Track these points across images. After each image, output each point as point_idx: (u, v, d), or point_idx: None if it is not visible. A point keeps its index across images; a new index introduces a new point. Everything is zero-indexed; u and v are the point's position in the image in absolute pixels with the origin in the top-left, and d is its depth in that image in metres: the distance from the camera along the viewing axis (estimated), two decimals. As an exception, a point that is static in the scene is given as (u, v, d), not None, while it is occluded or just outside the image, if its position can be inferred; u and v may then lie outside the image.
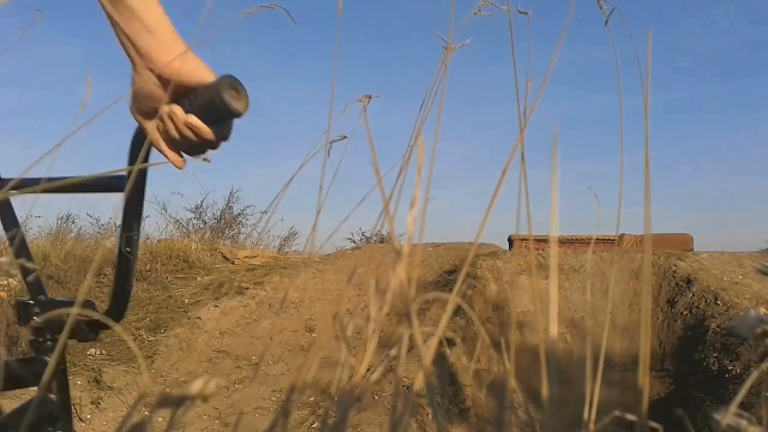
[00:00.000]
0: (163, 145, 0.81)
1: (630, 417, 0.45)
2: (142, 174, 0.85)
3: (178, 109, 0.77)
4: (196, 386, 0.41)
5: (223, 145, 0.84)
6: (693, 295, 6.01)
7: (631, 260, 6.73)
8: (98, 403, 4.32)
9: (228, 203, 9.85)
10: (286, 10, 0.68)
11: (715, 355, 5.06)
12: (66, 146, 0.57)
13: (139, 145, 0.85)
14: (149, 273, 6.64)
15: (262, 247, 9.17)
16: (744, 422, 0.45)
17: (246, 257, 7.86)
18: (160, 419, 3.22)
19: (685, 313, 5.94)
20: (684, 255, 6.80)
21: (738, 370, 4.70)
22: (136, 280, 6.43)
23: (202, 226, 9.46)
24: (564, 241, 7.65)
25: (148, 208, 11.52)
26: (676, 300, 6.13)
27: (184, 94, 0.78)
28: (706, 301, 5.84)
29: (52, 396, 1.03)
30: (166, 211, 9.33)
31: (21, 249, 1.12)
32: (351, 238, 11.06)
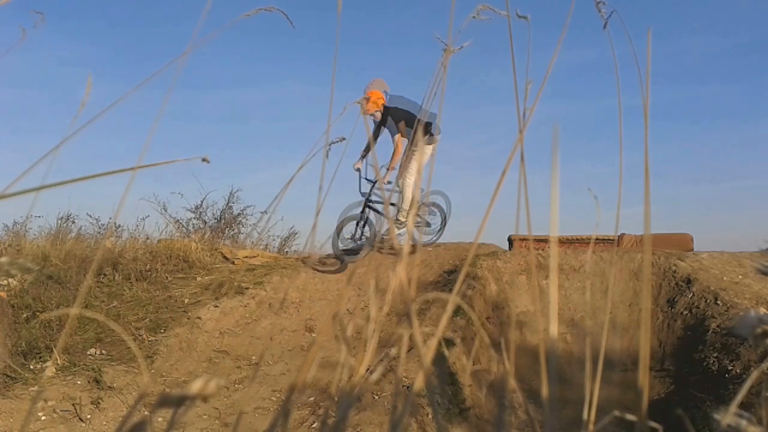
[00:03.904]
0: None
1: (630, 417, 0.45)
2: None
3: None
4: (196, 386, 0.41)
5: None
6: (693, 295, 6.01)
7: (631, 260, 6.73)
8: (98, 403, 4.32)
9: (228, 203, 9.83)
10: (284, 13, 0.68)
11: (715, 355, 5.06)
12: (66, 146, 0.58)
13: None
14: (149, 273, 6.63)
15: (262, 247, 9.16)
16: (744, 422, 0.45)
17: (246, 257, 7.86)
18: (160, 419, 3.22)
19: (685, 313, 5.94)
20: (684, 255, 6.80)
21: (738, 370, 4.70)
22: (136, 280, 6.43)
23: (202, 226, 9.44)
24: (564, 241, 7.64)
25: (148, 208, 11.52)
26: (676, 300, 6.13)
27: None
28: (706, 301, 5.84)
29: None
30: (166, 211, 9.31)
31: None
32: (351, 238, 11.03)
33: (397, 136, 6.00)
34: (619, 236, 7.60)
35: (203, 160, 0.84)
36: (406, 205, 6.25)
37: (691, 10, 23.55)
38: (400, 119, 5.94)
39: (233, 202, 9.87)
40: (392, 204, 6.52)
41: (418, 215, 6.49)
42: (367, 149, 6.49)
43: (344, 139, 0.66)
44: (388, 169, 6.28)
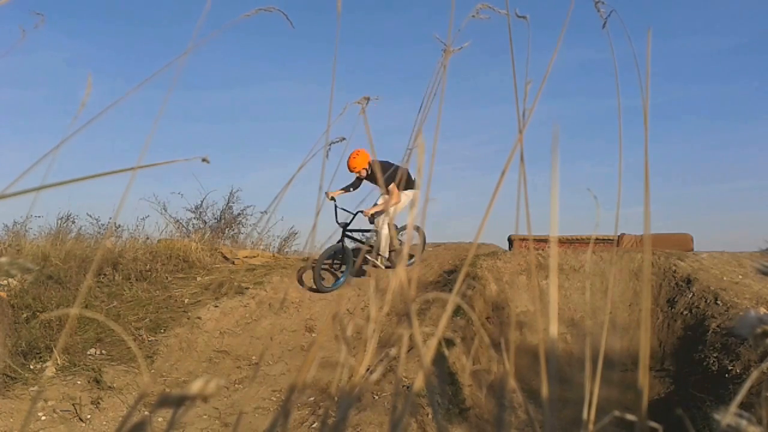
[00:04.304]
0: None
1: (630, 417, 0.45)
2: None
3: None
4: (196, 386, 0.41)
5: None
6: (693, 295, 6.01)
7: (631, 260, 6.74)
8: (98, 403, 4.32)
9: (228, 203, 9.82)
10: (283, 13, 0.68)
11: (715, 355, 5.06)
12: (66, 146, 0.58)
13: None
14: (149, 273, 6.63)
15: (262, 247, 9.16)
16: (744, 422, 0.45)
17: (246, 257, 7.86)
18: (160, 419, 3.22)
19: (685, 313, 5.94)
20: (684, 255, 6.80)
21: (738, 370, 4.70)
22: (136, 280, 6.43)
23: (202, 226, 9.43)
24: (564, 241, 7.65)
25: (148, 208, 11.52)
26: (676, 300, 6.13)
27: None
28: (706, 301, 5.84)
29: None
30: (166, 211, 9.30)
31: None
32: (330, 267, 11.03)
33: (392, 185, 6.32)
34: (619, 236, 7.61)
35: (203, 160, 0.84)
36: (383, 242, 6.59)
37: (690, 10, 23.56)
38: (387, 171, 6.24)
39: (233, 202, 9.86)
40: (371, 236, 6.81)
41: (399, 239, 6.71)
42: (347, 189, 6.87)
43: (344, 139, 0.66)
44: (377, 204, 6.51)
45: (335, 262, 6.97)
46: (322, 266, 6.69)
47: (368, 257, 6.70)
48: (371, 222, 6.64)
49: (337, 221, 6.70)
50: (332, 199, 6.71)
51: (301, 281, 6.71)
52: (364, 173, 6.66)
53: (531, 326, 6.17)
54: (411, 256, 6.48)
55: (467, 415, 4.50)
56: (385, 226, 6.51)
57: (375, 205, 6.55)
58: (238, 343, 5.67)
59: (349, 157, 6.53)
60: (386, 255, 6.58)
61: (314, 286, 6.45)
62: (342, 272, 6.79)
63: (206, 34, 0.65)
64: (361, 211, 6.53)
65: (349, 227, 6.73)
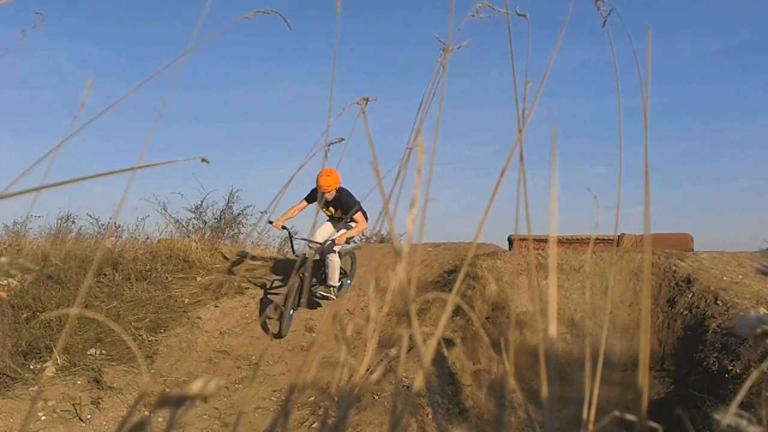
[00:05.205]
0: None
1: (630, 417, 0.45)
2: None
3: None
4: (196, 386, 0.41)
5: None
6: (693, 295, 6.01)
7: (631, 260, 6.73)
8: (98, 403, 4.32)
9: (228, 203, 9.84)
10: (281, 15, 0.68)
11: (715, 355, 5.06)
12: (66, 146, 0.58)
13: None
14: (149, 273, 6.63)
15: (262, 247, 9.17)
16: (744, 422, 0.45)
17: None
18: (160, 419, 3.22)
19: (685, 313, 5.94)
20: (684, 255, 6.80)
21: (738, 370, 4.70)
22: (136, 280, 6.43)
23: (202, 226, 9.44)
24: (564, 241, 7.65)
25: (148, 208, 11.52)
26: (676, 300, 6.13)
27: None
28: (706, 301, 5.84)
29: None
30: (166, 211, 9.30)
31: None
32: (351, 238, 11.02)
33: (359, 214, 6.09)
34: (619, 236, 7.61)
35: (203, 160, 0.84)
36: (335, 272, 6.17)
37: (690, 10, 23.56)
38: (352, 201, 6.05)
39: (233, 202, 9.88)
40: (323, 271, 6.26)
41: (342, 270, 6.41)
42: (309, 201, 6.30)
43: (343, 139, 0.66)
44: (349, 230, 6.16)
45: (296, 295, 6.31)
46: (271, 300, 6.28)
47: (321, 291, 6.15)
48: (327, 250, 6.12)
49: (294, 252, 6.17)
50: (283, 227, 6.07)
51: (265, 326, 6.12)
52: (333, 194, 6.16)
53: (531, 326, 6.17)
54: (342, 284, 6.29)
55: (467, 415, 4.50)
56: (336, 255, 6.13)
57: (344, 231, 6.13)
58: (238, 343, 5.67)
59: (321, 175, 5.90)
60: (336, 284, 6.15)
61: (276, 331, 5.83)
62: (292, 307, 6.09)
63: (206, 34, 0.65)
64: (333, 240, 6.02)
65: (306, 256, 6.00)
